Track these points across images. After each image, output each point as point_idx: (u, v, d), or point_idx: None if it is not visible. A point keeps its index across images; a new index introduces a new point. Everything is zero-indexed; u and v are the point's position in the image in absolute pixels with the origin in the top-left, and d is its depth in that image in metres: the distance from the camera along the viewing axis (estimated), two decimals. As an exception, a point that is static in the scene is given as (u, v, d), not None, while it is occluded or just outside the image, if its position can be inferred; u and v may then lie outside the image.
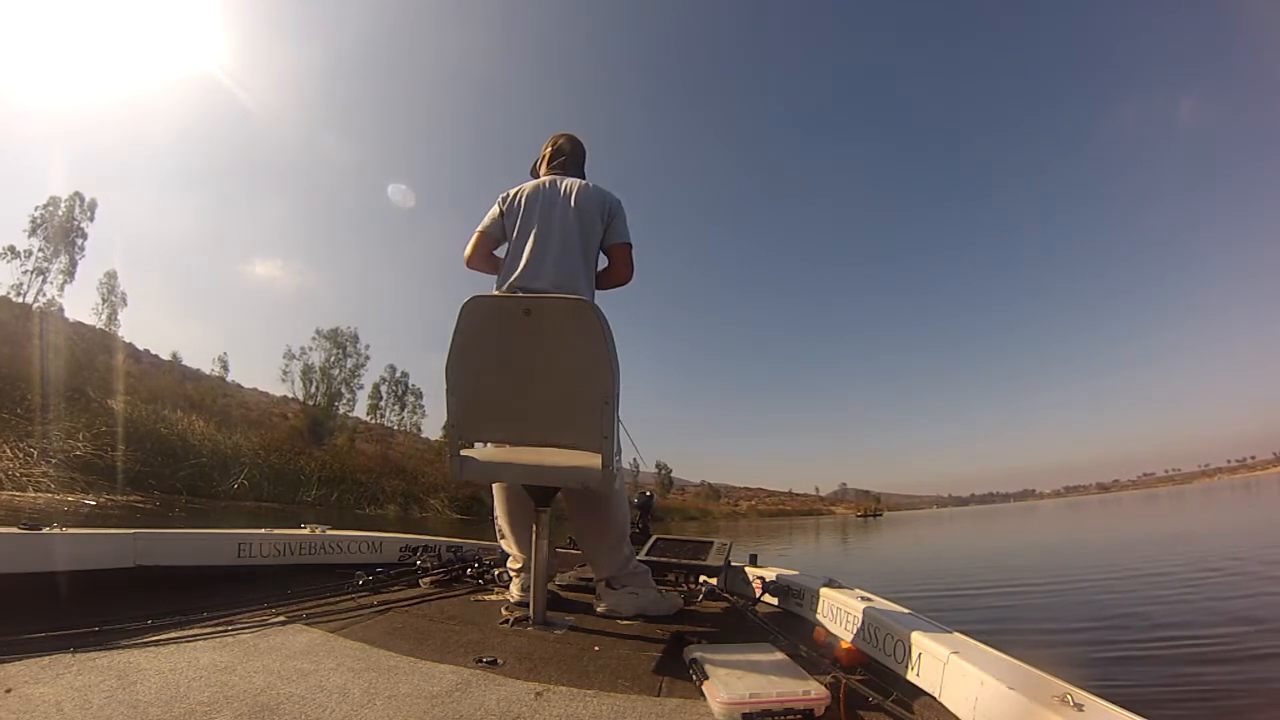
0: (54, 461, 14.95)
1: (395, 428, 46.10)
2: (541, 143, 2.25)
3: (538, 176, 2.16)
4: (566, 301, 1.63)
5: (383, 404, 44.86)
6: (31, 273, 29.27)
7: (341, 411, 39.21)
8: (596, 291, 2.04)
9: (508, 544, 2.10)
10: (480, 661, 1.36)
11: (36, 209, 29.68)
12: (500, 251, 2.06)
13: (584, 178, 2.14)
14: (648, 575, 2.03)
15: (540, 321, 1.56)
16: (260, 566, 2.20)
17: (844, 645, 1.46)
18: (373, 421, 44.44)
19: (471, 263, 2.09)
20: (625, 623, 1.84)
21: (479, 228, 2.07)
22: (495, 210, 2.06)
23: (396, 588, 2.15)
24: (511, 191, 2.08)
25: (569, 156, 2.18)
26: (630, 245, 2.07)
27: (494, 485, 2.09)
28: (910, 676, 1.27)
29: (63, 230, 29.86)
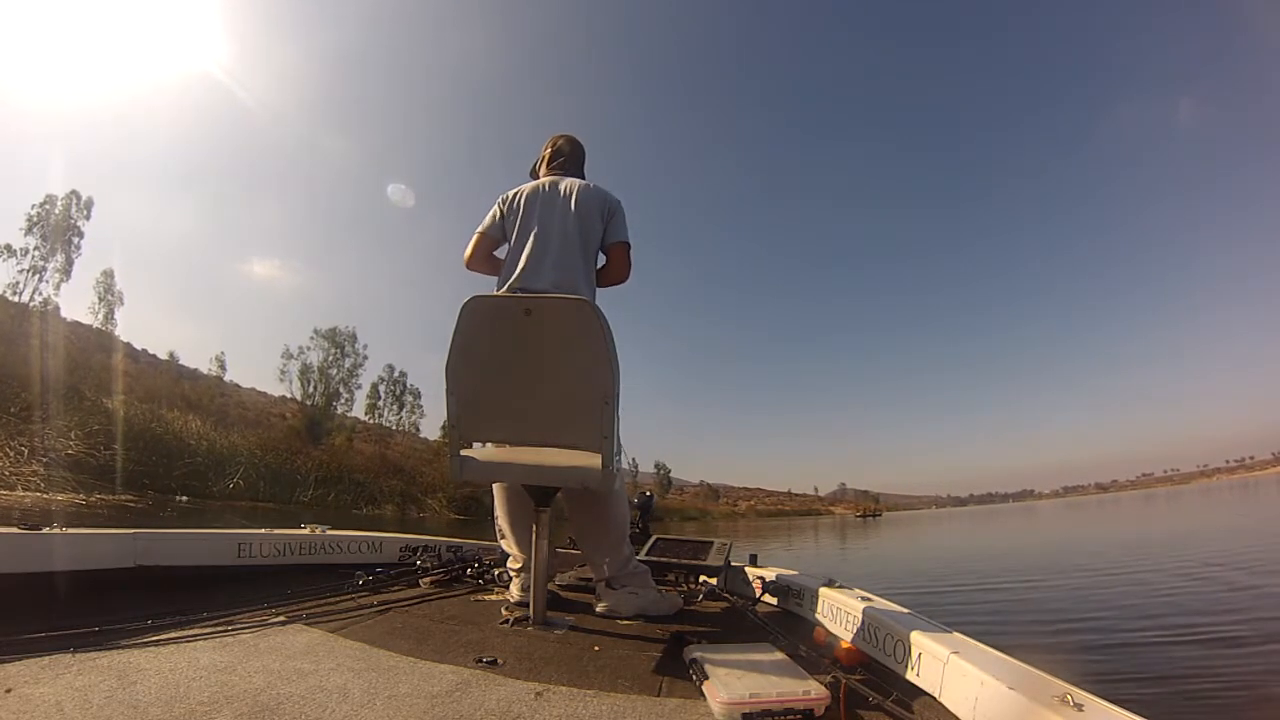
0: (45, 460, 14.85)
1: (393, 427, 46.07)
2: (541, 143, 2.25)
3: (537, 177, 2.16)
4: (567, 301, 1.62)
5: (381, 404, 44.87)
6: (27, 271, 29.24)
7: (339, 411, 39.18)
8: (596, 290, 2.05)
9: (508, 544, 2.10)
10: (480, 661, 1.35)
11: (33, 207, 29.65)
12: (500, 253, 2.06)
13: (584, 178, 2.15)
14: (648, 575, 2.03)
15: (540, 321, 1.56)
16: (260, 566, 2.19)
17: (844, 645, 1.46)
18: (371, 421, 44.41)
19: (471, 264, 2.09)
20: (625, 623, 1.84)
21: (479, 229, 2.07)
22: (495, 211, 2.06)
23: (396, 588, 2.15)
24: (511, 193, 2.08)
25: (568, 157, 2.18)
26: (629, 245, 2.07)
27: (494, 485, 2.09)
28: (910, 676, 1.26)
29: (59, 229, 29.78)
